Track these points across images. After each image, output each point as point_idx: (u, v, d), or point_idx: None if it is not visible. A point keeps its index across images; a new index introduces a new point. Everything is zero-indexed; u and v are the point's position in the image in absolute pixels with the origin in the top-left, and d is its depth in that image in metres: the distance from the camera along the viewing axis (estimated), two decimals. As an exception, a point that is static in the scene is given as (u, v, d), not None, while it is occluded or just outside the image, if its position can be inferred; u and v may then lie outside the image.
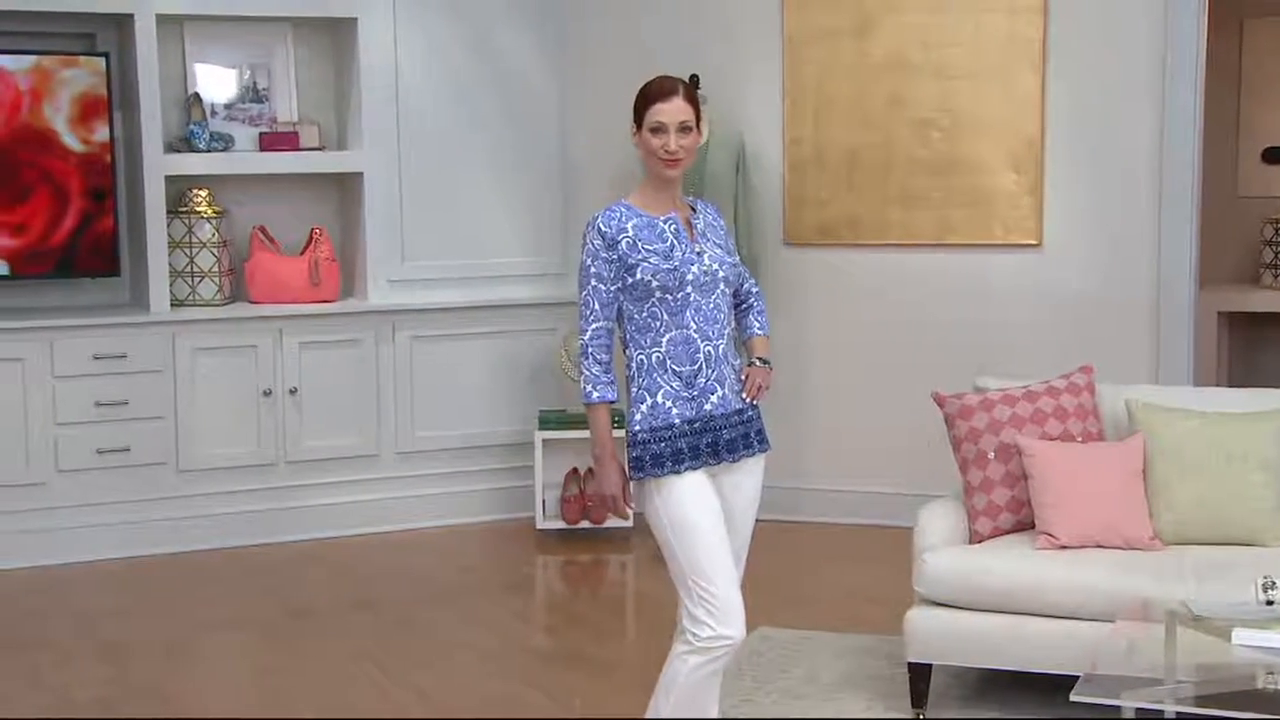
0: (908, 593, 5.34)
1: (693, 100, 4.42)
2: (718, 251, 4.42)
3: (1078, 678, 4.33)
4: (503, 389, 8.08)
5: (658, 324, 4.29)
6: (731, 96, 7.86)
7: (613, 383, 4.32)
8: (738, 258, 4.58)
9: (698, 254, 4.35)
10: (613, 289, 4.28)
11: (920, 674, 5.26)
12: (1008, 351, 7.04)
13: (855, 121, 7.81)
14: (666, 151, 4.34)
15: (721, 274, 4.40)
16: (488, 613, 6.67)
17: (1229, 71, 8.90)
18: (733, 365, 4.41)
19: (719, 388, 4.33)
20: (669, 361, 4.27)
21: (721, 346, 4.37)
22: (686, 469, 4.25)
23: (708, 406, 4.30)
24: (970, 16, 7.59)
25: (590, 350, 4.28)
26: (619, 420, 4.38)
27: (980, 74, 7.60)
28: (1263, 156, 9.35)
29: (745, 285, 4.67)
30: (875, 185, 7.81)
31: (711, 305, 4.37)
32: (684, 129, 4.36)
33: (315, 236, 7.90)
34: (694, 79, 7.62)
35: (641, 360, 4.31)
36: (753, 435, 4.43)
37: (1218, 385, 8.06)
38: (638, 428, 4.27)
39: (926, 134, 7.71)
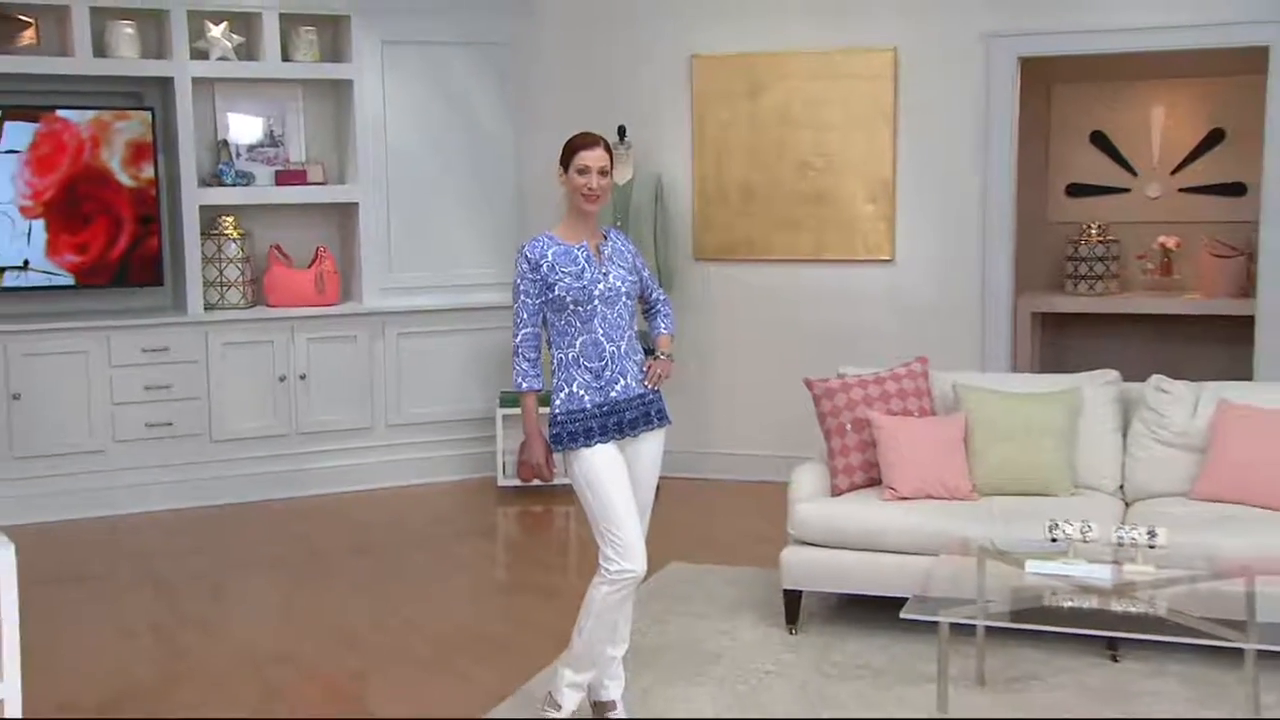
0: (784, 535, 5.46)
1: (610, 151, 4.48)
2: (621, 271, 4.46)
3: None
4: (471, 375, 8.09)
5: (572, 330, 4.36)
6: (651, 144, 7.93)
7: (539, 375, 4.41)
8: (643, 275, 4.61)
9: (604, 274, 4.40)
10: (537, 302, 4.35)
11: (793, 599, 5.39)
12: (864, 345, 7.15)
13: (748, 163, 7.93)
14: (589, 189, 4.39)
15: (624, 290, 4.46)
16: (459, 553, 6.72)
17: (1040, 125, 8.97)
18: (635, 360, 4.47)
19: (622, 379, 4.41)
20: (581, 359, 4.36)
21: (624, 346, 4.44)
22: (596, 443, 4.34)
23: (613, 394, 4.39)
24: (837, 83, 7.72)
25: (521, 350, 4.38)
26: (547, 403, 4.47)
27: (845, 127, 7.75)
28: (1066, 191, 9.40)
29: (654, 294, 4.74)
30: (764, 213, 7.94)
31: (615, 314, 4.43)
32: (603, 172, 4.41)
33: (320, 253, 7.93)
34: (621, 130, 7.70)
35: (560, 358, 4.38)
36: (653, 414, 4.50)
37: (1031, 372, 8.14)
38: (558, 411, 4.35)
39: (804, 173, 7.84)
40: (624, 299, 4.48)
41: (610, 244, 4.53)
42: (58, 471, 7.38)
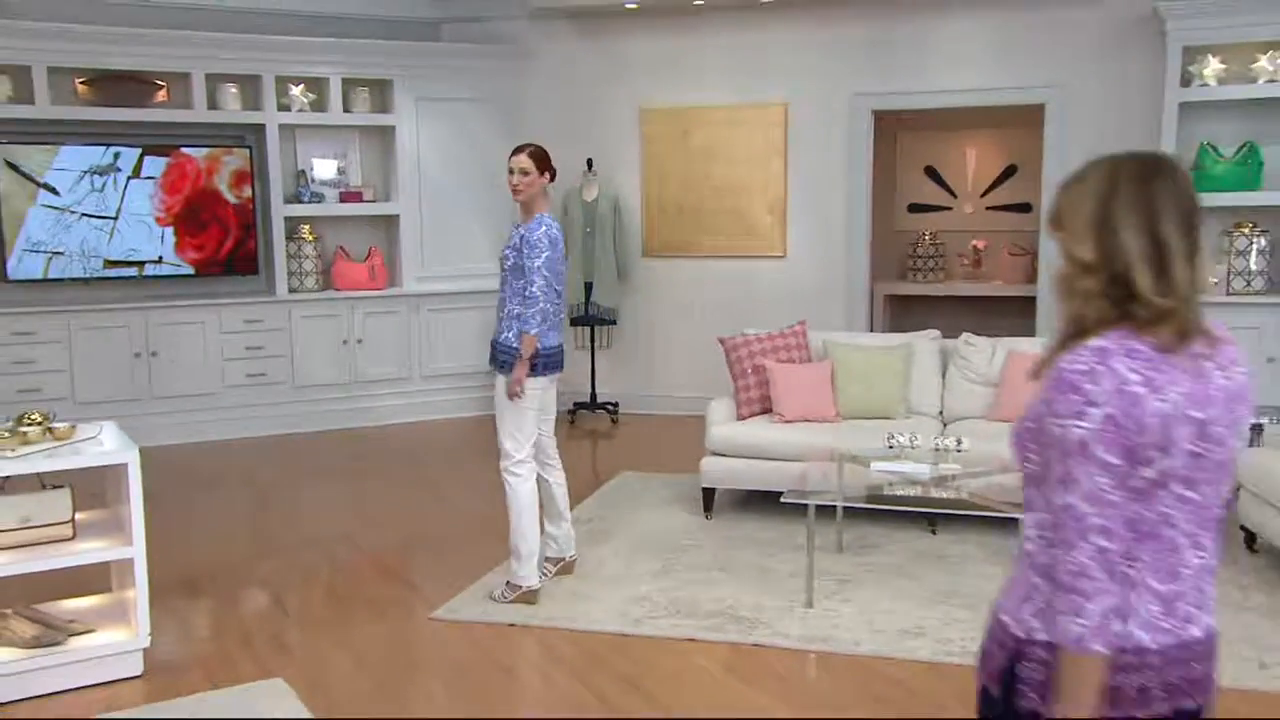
0: (703, 449, 5.50)
1: (534, 157, 4.25)
2: (506, 250, 4.28)
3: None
4: (481, 339, 7.80)
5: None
6: (612, 171, 7.91)
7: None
8: (521, 257, 4.20)
9: (505, 249, 4.31)
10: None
11: (709, 494, 5.46)
12: (762, 315, 7.10)
13: (681, 186, 7.92)
14: (511, 185, 4.28)
15: (505, 264, 4.29)
16: (474, 465, 6.63)
17: (889, 160, 9.02)
18: (502, 318, 4.29)
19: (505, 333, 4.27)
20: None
21: (503, 306, 4.28)
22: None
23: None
24: (744, 129, 7.72)
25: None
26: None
27: (750, 160, 7.75)
28: (908, 208, 9.49)
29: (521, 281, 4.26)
30: (692, 222, 7.93)
31: (507, 280, 4.28)
32: (524, 171, 4.22)
33: (372, 251, 7.91)
34: (589, 161, 7.74)
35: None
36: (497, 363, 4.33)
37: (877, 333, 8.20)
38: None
39: (721, 193, 7.84)
40: (508, 271, 4.30)
41: (520, 230, 4.29)
42: (182, 408, 7.35)
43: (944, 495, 4.36)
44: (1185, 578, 1.67)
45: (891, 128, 8.83)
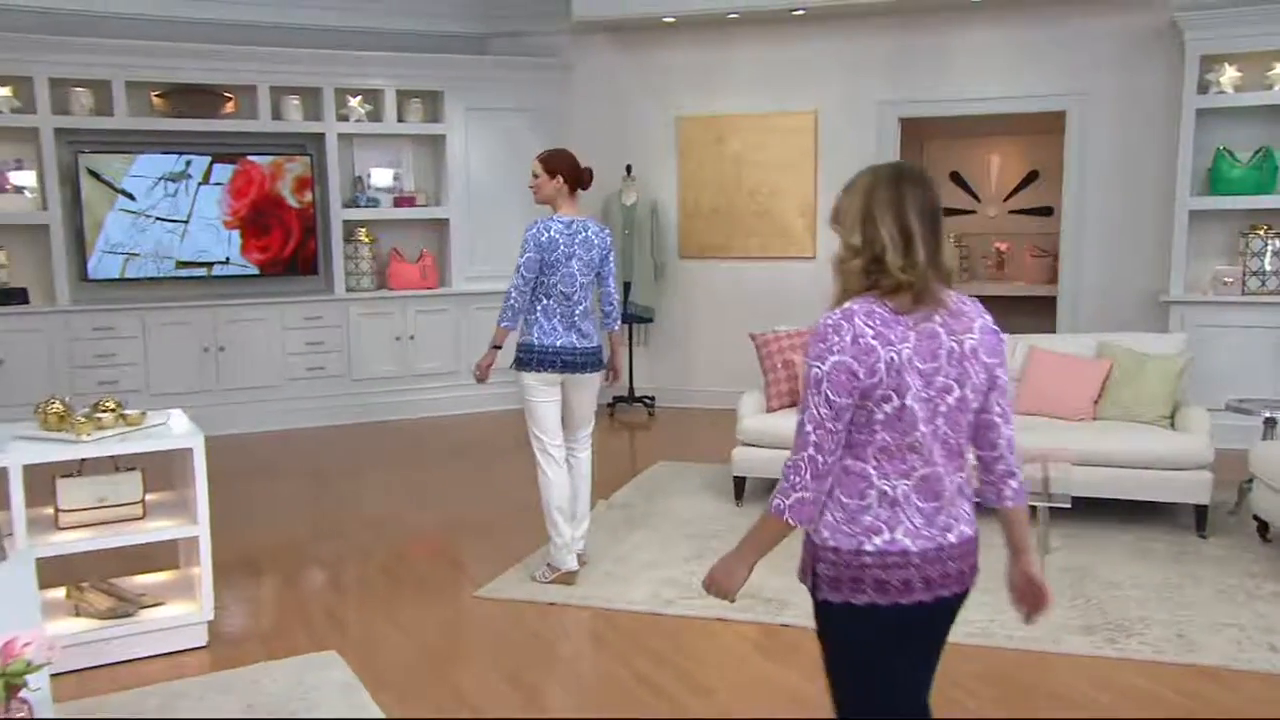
0: (734, 440, 5.45)
1: (542, 160, 4.23)
2: None
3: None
4: None
5: None
6: (650, 176, 7.89)
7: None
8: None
9: None
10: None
11: (740, 482, 5.43)
12: (793, 313, 6.89)
13: (716, 191, 7.87)
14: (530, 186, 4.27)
15: None
16: (516, 454, 6.60)
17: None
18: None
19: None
20: None
21: None
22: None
23: None
24: (775, 136, 7.67)
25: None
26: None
27: (782, 165, 7.70)
28: None
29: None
30: (727, 225, 7.88)
31: None
32: (534, 175, 4.22)
33: (424, 253, 7.93)
34: (628, 167, 7.75)
35: None
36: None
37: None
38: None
39: (753, 198, 7.79)
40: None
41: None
42: (248, 400, 7.42)
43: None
44: (944, 498, 2.03)
45: (919, 135, 8.74)
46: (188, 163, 7.23)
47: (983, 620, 3.85)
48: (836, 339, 1.96)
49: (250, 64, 7.24)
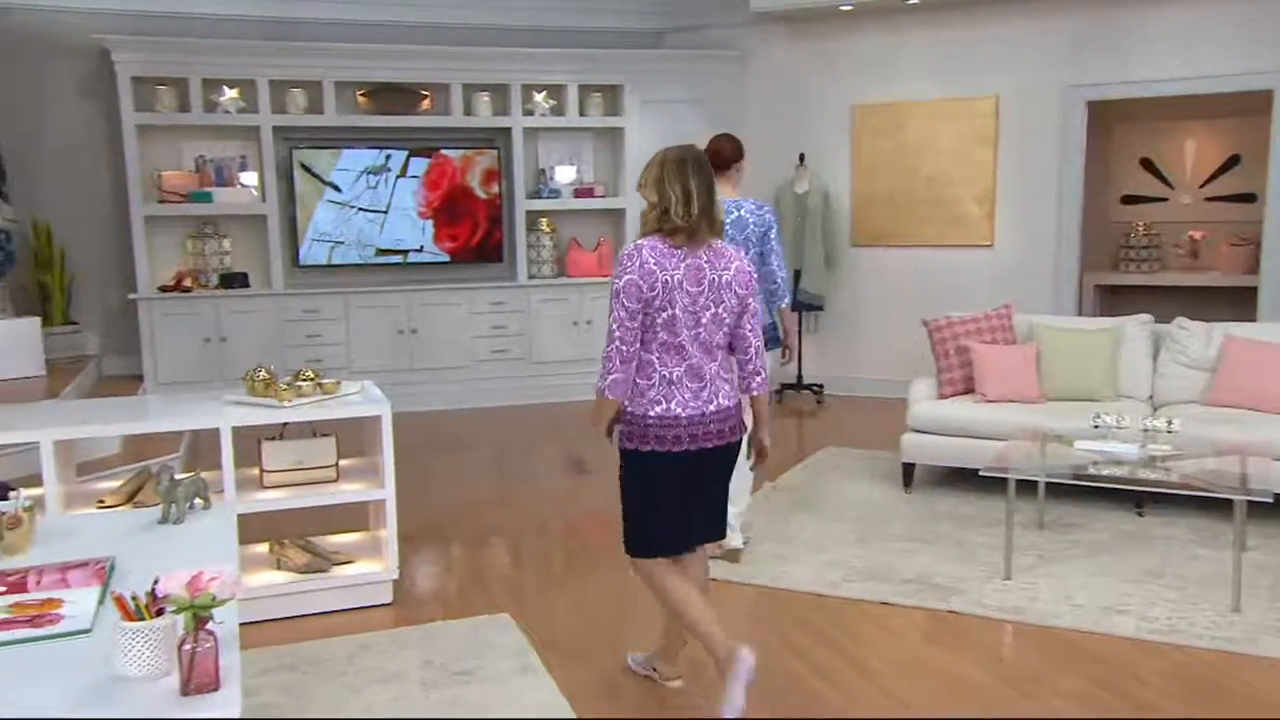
0: (903, 429, 5.27)
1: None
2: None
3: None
4: None
5: None
6: (823, 164, 7.71)
7: None
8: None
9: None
10: None
11: (909, 469, 5.24)
12: (967, 302, 6.70)
13: (891, 177, 7.62)
14: None
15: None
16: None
17: (1103, 152, 8.34)
18: None
19: None
20: None
21: None
22: None
23: None
24: (952, 120, 7.36)
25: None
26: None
27: (958, 151, 7.38)
28: (1121, 200, 8.79)
29: None
30: (902, 212, 7.61)
31: None
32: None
33: (601, 241, 7.98)
34: (802, 155, 7.60)
35: None
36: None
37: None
38: None
39: (930, 184, 7.50)
40: None
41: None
42: (438, 380, 7.61)
43: (1151, 476, 3.95)
44: (705, 380, 2.84)
45: (1107, 119, 8.18)
46: (387, 157, 7.51)
47: (1172, 618, 3.54)
48: (629, 263, 2.76)
49: (444, 63, 7.45)
